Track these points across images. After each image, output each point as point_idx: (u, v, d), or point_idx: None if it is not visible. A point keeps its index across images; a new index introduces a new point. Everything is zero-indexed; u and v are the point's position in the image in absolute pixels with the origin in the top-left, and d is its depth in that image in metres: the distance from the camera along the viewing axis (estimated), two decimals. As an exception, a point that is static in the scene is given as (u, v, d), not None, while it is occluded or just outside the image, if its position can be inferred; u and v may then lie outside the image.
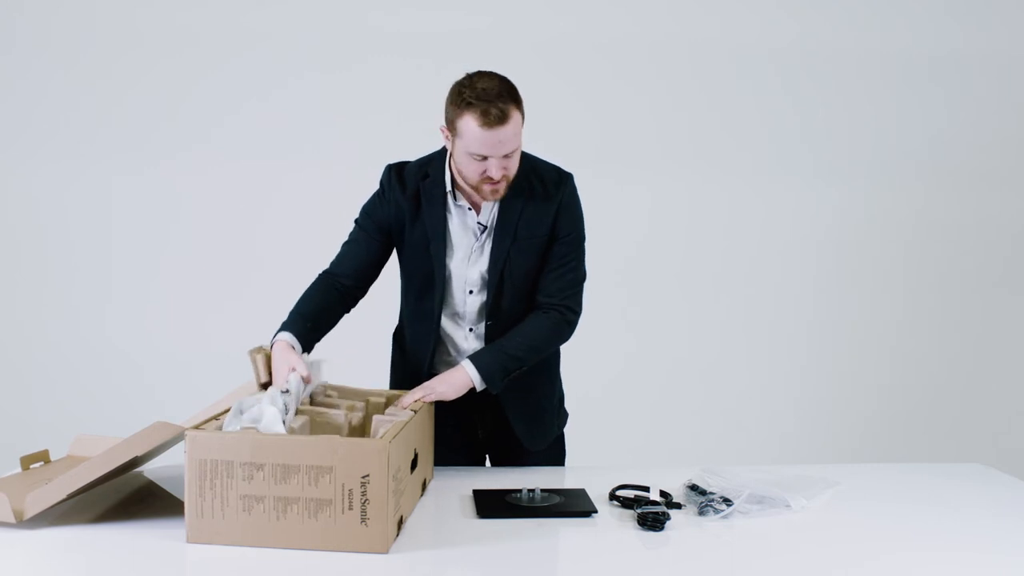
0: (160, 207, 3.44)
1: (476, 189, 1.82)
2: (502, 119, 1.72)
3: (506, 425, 1.99)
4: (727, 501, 1.67)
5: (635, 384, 3.53)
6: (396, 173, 1.94)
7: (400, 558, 1.44)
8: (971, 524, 1.66)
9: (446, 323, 1.95)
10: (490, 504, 1.67)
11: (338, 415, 1.71)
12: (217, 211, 3.43)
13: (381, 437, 1.49)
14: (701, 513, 1.65)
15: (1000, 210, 3.63)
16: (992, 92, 3.57)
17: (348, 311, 1.96)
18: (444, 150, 1.91)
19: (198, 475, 1.45)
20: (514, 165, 1.81)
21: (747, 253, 3.58)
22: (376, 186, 1.97)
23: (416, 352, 1.99)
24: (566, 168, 1.97)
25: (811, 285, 3.62)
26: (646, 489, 1.72)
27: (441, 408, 1.89)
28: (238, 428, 1.53)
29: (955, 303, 3.65)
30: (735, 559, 1.49)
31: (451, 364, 1.93)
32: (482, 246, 1.90)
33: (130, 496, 1.71)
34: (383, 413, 1.76)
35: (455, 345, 1.96)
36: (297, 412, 1.66)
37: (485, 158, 1.75)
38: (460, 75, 1.78)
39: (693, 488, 1.76)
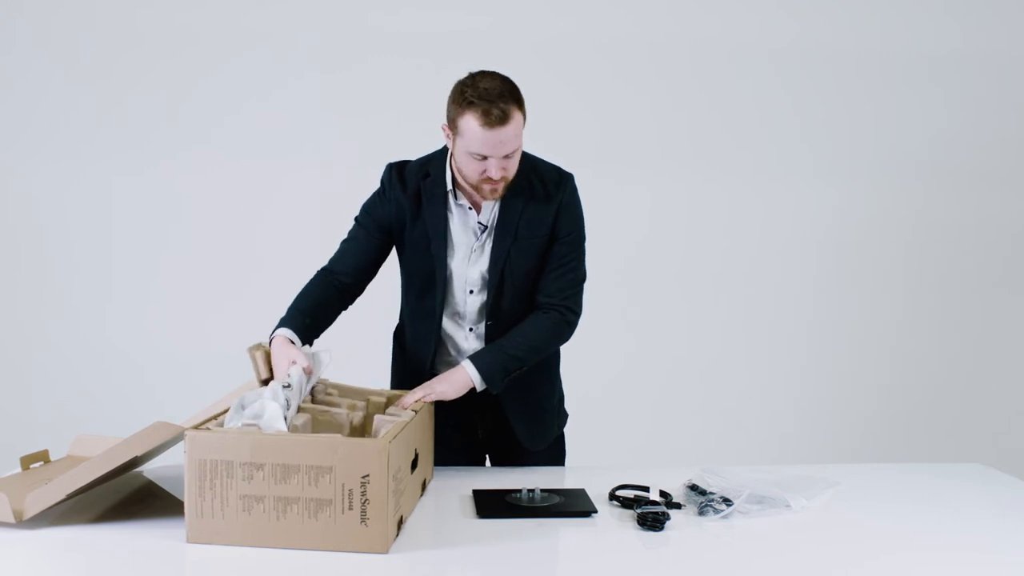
0: (160, 207, 3.44)
1: (475, 188, 1.82)
2: (503, 119, 1.72)
3: (506, 425, 1.99)
4: (727, 501, 1.67)
5: (635, 384, 3.53)
6: (397, 172, 1.94)
7: (400, 558, 1.43)
8: (971, 524, 1.66)
9: (447, 323, 1.95)
10: (490, 504, 1.67)
11: (340, 413, 1.71)
12: (217, 211, 3.43)
13: (381, 437, 1.49)
14: (701, 513, 1.65)
15: (1000, 210, 3.63)
16: (992, 92, 3.57)
17: (346, 308, 1.96)
18: (445, 149, 1.91)
19: (198, 475, 1.45)
20: (514, 166, 1.81)
21: (747, 253, 3.58)
22: (376, 186, 1.97)
23: (417, 351, 1.99)
24: (566, 168, 1.97)
25: (811, 285, 3.62)
26: (646, 489, 1.72)
27: (441, 408, 1.89)
28: (240, 424, 1.53)
29: (955, 303, 3.65)
30: (735, 559, 1.49)
31: (451, 364, 1.93)
32: (482, 246, 1.90)
33: (130, 496, 1.71)
34: (384, 413, 1.76)
35: (455, 345, 1.96)
36: (299, 410, 1.66)
37: (485, 158, 1.75)
38: (460, 75, 1.78)
39: (693, 488, 1.76)
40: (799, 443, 3.57)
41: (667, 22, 3.48)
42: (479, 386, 1.85)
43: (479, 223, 1.89)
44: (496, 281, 1.90)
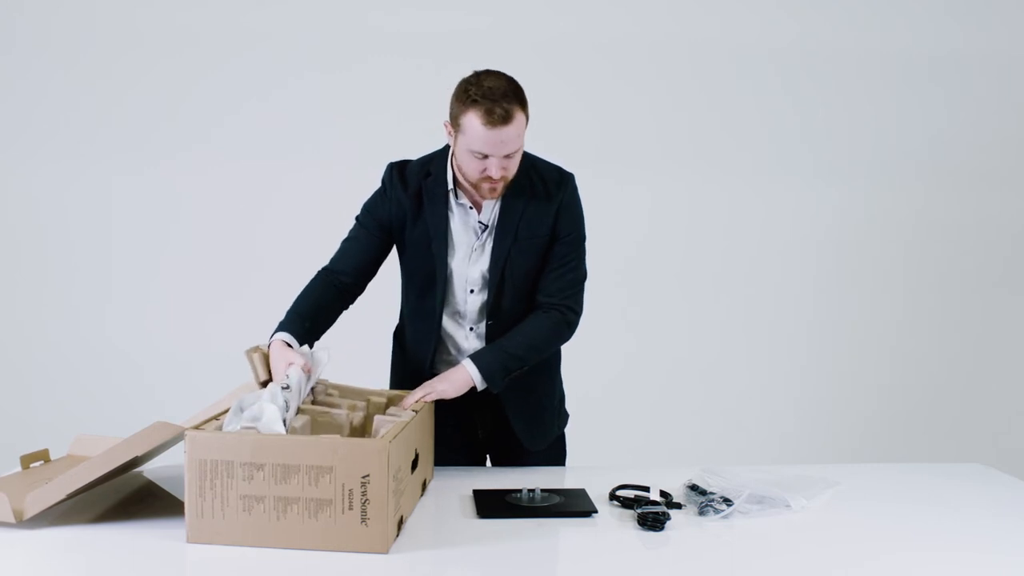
0: (160, 207, 3.44)
1: (475, 187, 1.82)
2: (506, 119, 1.72)
3: (506, 425, 1.99)
4: (727, 501, 1.67)
5: (635, 384, 3.53)
6: (398, 171, 1.94)
7: (400, 558, 1.43)
8: (971, 524, 1.66)
9: (447, 322, 1.95)
10: (490, 504, 1.67)
11: (340, 415, 1.71)
12: (217, 211, 3.43)
13: (381, 437, 1.49)
14: (701, 513, 1.65)
15: (1000, 210, 3.63)
16: (992, 92, 3.57)
17: (346, 308, 1.96)
18: (446, 148, 1.92)
19: (198, 475, 1.45)
20: (514, 166, 1.81)
21: (747, 253, 3.58)
22: (377, 185, 1.97)
23: (417, 351, 1.99)
24: (567, 168, 1.97)
25: (811, 285, 3.62)
26: (646, 489, 1.72)
27: (441, 408, 1.89)
28: (238, 427, 1.53)
29: (955, 303, 3.65)
30: (735, 559, 1.49)
31: (452, 363, 1.92)
32: (483, 245, 1.90)
33: (130, 496, 1.71)
34: (384, 413, 1.76)
35: (456, 344, 1.96)
36: (299, 411, 1.66)
37: (486, 156, 1.75)
38: (460, 75, 1.79)
39: (693, 488, 1.76)
40: (799, 443, 3.57)
41: (667, 22, 3.48)
42: (480, 385, 1.85)
43: (480, 222, 1.89)
44: (496, 280, 1.90)
